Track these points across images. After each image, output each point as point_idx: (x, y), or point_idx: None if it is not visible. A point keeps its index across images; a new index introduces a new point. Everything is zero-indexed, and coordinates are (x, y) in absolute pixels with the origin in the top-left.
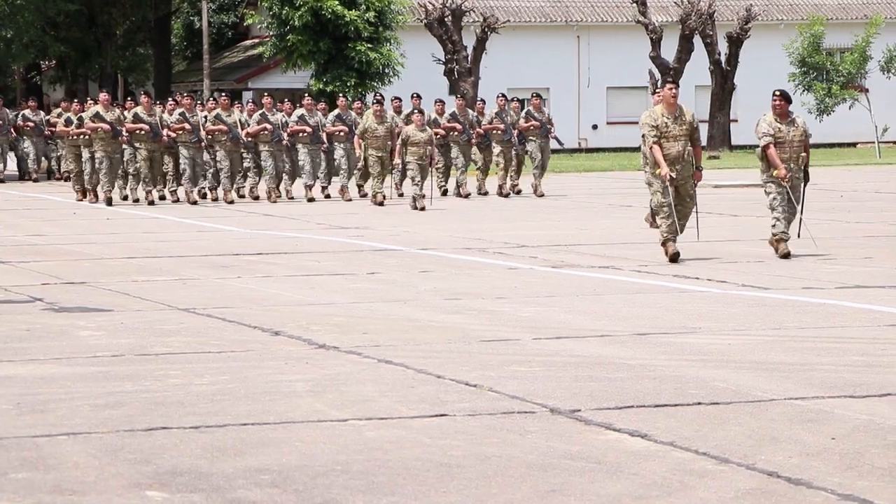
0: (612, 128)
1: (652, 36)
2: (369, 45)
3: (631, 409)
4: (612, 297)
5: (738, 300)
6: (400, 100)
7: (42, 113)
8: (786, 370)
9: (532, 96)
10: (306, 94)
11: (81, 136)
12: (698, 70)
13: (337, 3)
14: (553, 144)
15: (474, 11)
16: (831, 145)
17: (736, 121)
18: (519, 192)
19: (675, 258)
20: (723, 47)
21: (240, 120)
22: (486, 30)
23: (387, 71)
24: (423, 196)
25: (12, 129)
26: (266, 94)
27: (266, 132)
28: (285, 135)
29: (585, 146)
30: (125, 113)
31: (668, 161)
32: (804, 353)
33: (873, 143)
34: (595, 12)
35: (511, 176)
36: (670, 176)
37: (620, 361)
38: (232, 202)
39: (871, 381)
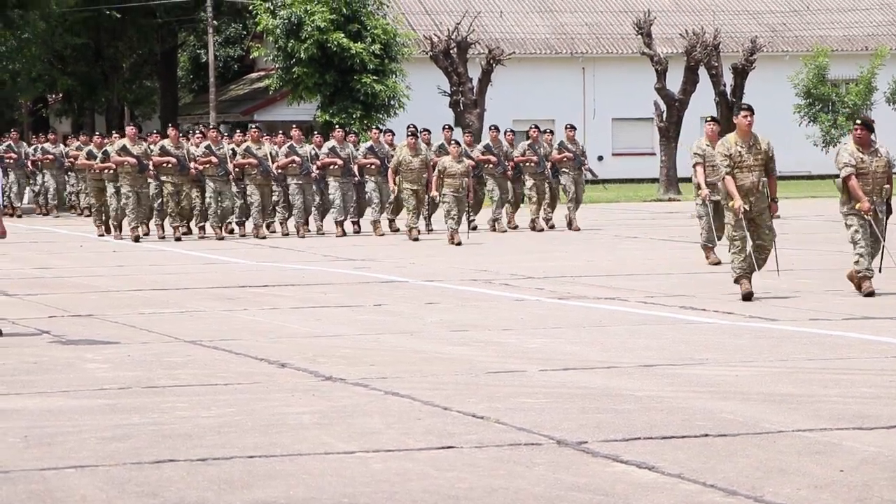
0: (618, 159)
1: (657, 67)
2: (375, 78)
3: (638, 440)
4: (618, 329)
5: (745, 331)
6: (429, 132)
7: (62, 145)
8: (793, 402)
9: (566, 128)
10: (337, 126)
11: (106, 171)
12: (704, 101)
13: (343, 35)
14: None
15: (480, 43)
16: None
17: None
18: (552, 227)
19: (748, 297)
20: (728, 79)
21: (270, 153)
22: (492, 62)
23: (392, 103)
24: (458, 230)
25: (29, 163)
26: (295, 125)
27: (294, 165)
28: (314, 168)
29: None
30: (151, 146)
31: (741, 193)
32: (812, 385)
33: None
34: (600, 44)
35: (545, 209)
36: (744, 209)
37: (627, 393)
38: (263, 237)
39: (880, 412)
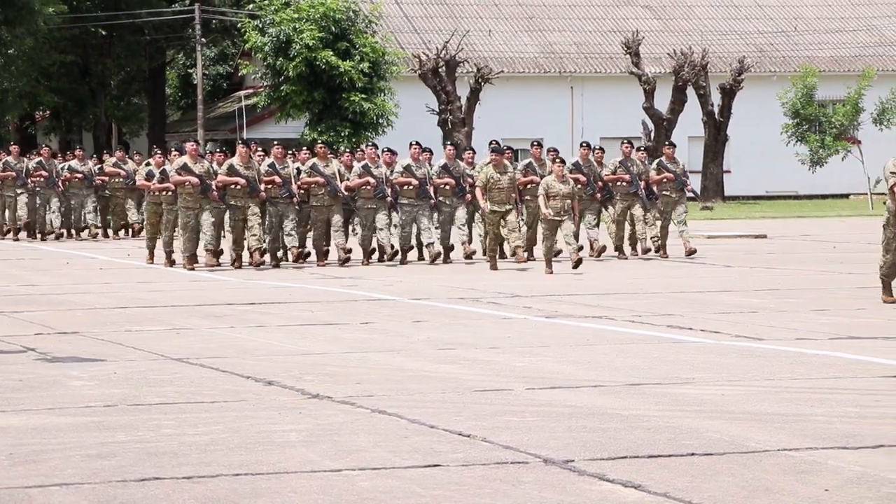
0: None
1: (645, 87)
2: (363, 96)
3: (625, 459)
4: (605, 348)
5: (731, 351)
6: (512, 150)
7: (90, 163)
8: (779, 421)
9: (665, 145)
10: (413, 143)
11: (164, 192)
12: (691, 121)
13: (331, 53)
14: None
15: (468, 62)
16: (824, 196)
17: (729, 171)
18: (647, 251)
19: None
20: (716, 98)
21: (338, 171)
22: (480, 80)
23: (381, 121)
24: (577, 251)
25: (60, 183)
26: (370, 143)
27: (368, 187)
28: (389, 190)
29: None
30: (213, 166)
31: None
32: (798, 404)
33: (866, 194)
34: (588, 63)
35: (639, 233)
36: None
37: (614, 412)
38: (324, 265)
39: (865, 432)
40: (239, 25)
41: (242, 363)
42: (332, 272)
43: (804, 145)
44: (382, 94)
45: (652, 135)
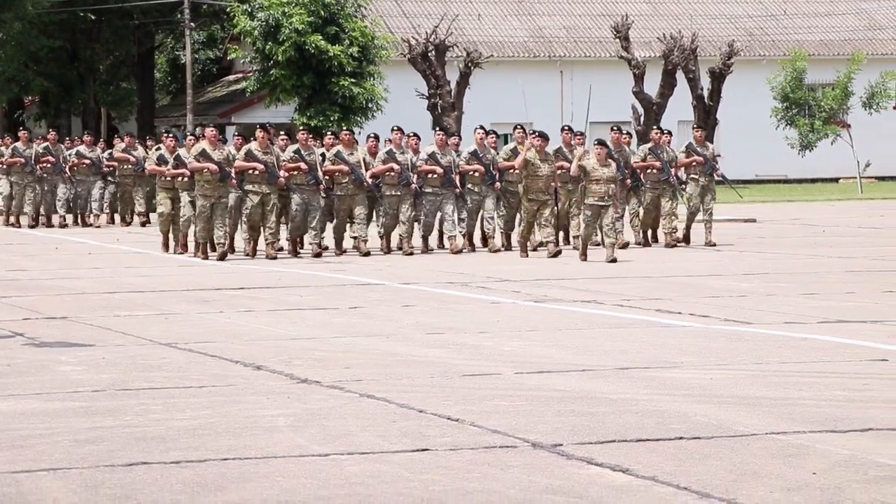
0: None
1: (635, 71)
2: (353, 80)
3: (613, 443)
4: (594, 332)
5: (720, 335)
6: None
7: (98, 149)
8: (767, 405)
9: (693, 128)
10: (437, 129)
11: (179, 178)
12: (681, 105)
13: (320, 38)
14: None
15: (458, 46)
16: (813, 180)
17: (719, 155)
18: (677, 242)
19: None
20: (705, 82)
21: (364, 158)
22: (470, 65)
23: (370, 105)
24: (613, 247)
25: (67, 168)
26: (395, 128)
27: (393, 174)
28: (415, 177)
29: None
30: (233, 152)
31: None
32: (786, 388)
33: (855, 178)
34: (578, 48)
35: (664, 228)
36: None
37: (602, 396)
38: (342, 254)
39: (853, 415)
40: (228, 9)
41: (231, 348)
42: (322, 257)
43: (794, 129)
44: (372, 79)
45: (642, 119)
